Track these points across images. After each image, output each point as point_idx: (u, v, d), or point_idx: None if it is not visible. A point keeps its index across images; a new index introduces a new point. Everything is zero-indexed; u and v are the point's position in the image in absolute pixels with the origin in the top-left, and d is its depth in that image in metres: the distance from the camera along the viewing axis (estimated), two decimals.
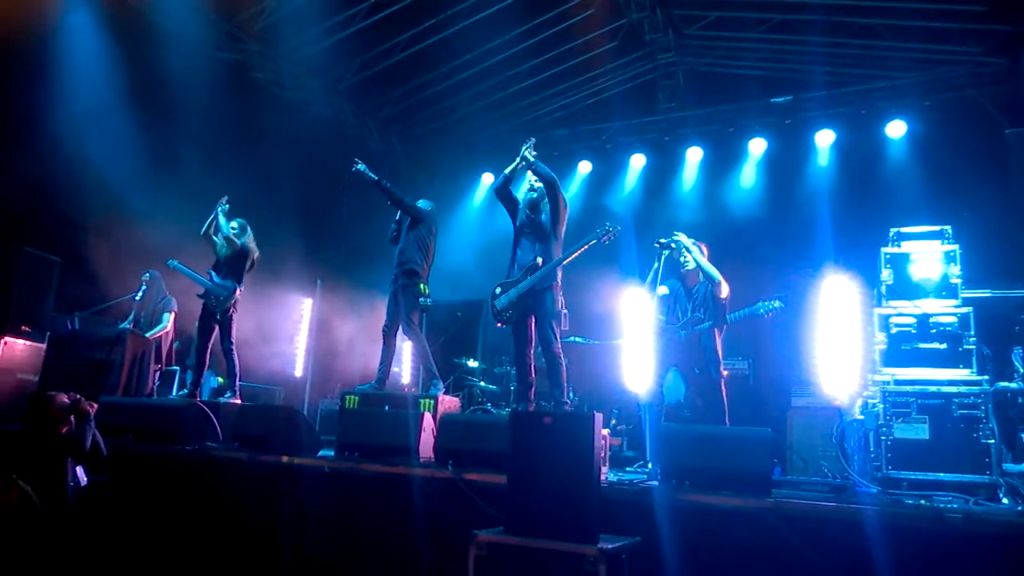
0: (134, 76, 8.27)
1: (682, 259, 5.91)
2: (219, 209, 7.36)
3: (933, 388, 5.06)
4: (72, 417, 5.11)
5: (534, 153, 5.96)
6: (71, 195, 7.73)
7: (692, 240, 6.01)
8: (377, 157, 7.11)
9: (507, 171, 6.19)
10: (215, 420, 6.18)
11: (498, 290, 6.05)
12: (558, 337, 5.85)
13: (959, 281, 5.61)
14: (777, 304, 5.73)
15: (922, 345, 5.38)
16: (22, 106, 7.44)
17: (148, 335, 7.94)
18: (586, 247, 5.84)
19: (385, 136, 11.98)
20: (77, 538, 5.19)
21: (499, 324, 6.15)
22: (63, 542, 4.94)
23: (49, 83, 7.75)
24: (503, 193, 6.27)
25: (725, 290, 5.76)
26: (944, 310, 5.42)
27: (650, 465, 4.95)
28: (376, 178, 6.82)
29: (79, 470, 5.12)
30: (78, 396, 5.24)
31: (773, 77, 10.32)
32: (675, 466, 4.36)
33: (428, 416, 5.55)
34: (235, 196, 7.46)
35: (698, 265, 5.82)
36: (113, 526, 5.70)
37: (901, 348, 5.40)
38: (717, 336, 5.81)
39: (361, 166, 6.84)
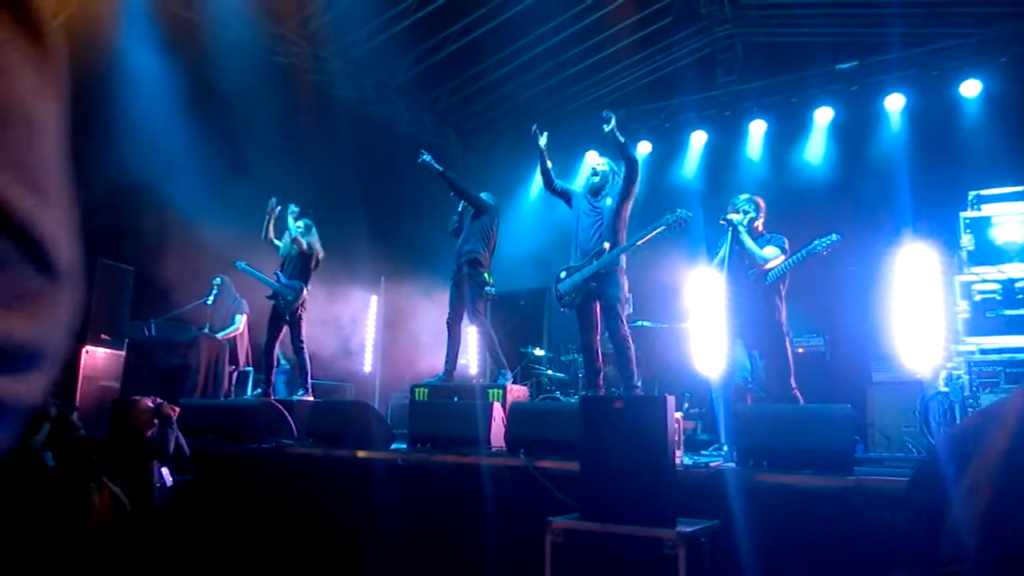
0: (195, 87, 8.48)
1: (740, 218, 5.68)
2: (271, 209, 7.49)
3: (1022, 355, 4.82)
4: (156, 421, 5.29)
5: (617, 133, 5.84)
6: (142, 206, 7.98)
7: (747, 198, 5.82)
8: (434, 151, 7.11)
9: (540, 167, 6.19)
10: (289, 418, 6.30)
11: (563, 274, 6.03)
12: (624, 321, 5.77)
13: None
14: (834, 237, 5.44)
15: (1008, 312, 5.13)
16: (92, 125, 7.71)
17: (220, 336, 8.15)
18: (655, 232, 5.73)
19: (441, 129, 12.02)
20: (166, 537, 5.38)
21: (562, 308, 6.12)
22: (154, 542, 5.12)
23: (116, 101, 8.00)
24: (552, 188, 6.25)
25: (772, 264, 5.55)
26: None
27: (725, 448, 4.84)
28: (441, 169, 6.88)
29: (164, 471, 5.29)
30: (161, 401, 5.42)
31: (836, 43, 9.93)
32: (751, 447, 4.23)
33: (497, 406, 5.55)
34: (297, 198, 7.58)
35: (744, 248, 5.59)
36: (198, 524, 5.89)
37: (985, 316, 5.16)
38: (780, 289, 5.61)
39: (427, 157, 6.90)
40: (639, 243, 5.76)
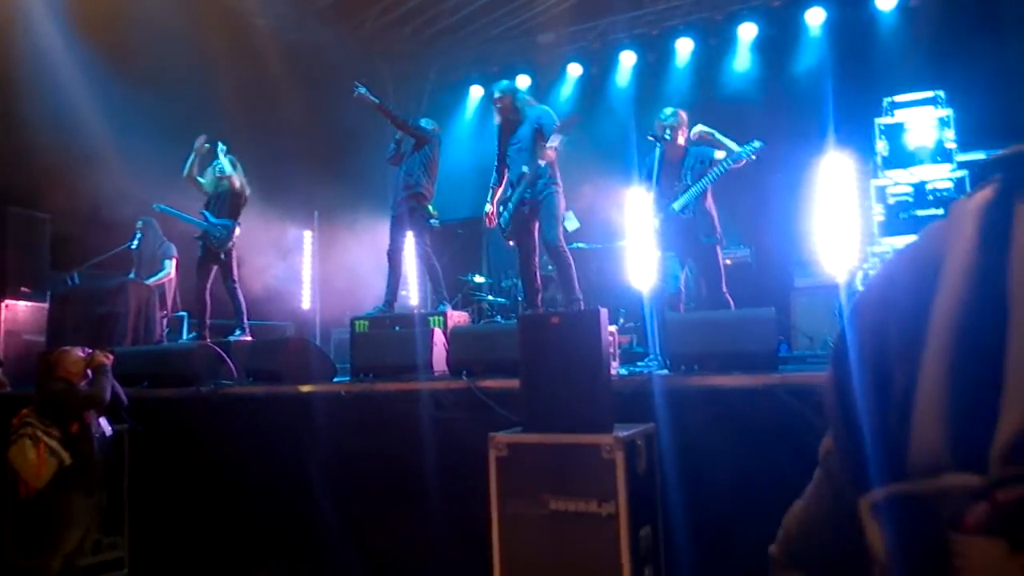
0: (101, 22, 8.03)
1: (666, 134, 5.77)
2: (199, 146, 7.26)
3: None
4: (88, 371, 5.17)
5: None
6: (51, 152, 7.62)
7: (671, 112, 5.90)
8: (361, 79, 6.93)
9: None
10: (228, 358, 6.25)
11: (500, 208, 6.08)
12: (561, 238, 5.87)
13: (954, 146, 5.55)
14: (757, 144, 5.58)
15: (919, 212, 5.37)
16: None
17: (150, 282, 7.95)
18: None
19: (368, 57, 11.69)
20: (111, 486, 5.34)
21: (510, 242, 6.18)
22: (99, 491, 5.08)
23: (15, 44, 7.58)
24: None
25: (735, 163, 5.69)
26: (940, 176, 5.38)
27: (659, 357, 5.01)
28: (378, 101, 6.73)
29: (103, 421, 5.21)
30: (92, 349, 5.30)
31: None
32: (682, 354, 4.40)
33: (438, 332, 5.59)
34: (218, 134, 7.35)
35: (719, 140, 5.65)
36: (142, 471, 5.86)
37: (899, 217, 5.40)
38: (709, 199, 5.77)
39: (362, 89, 6.70)
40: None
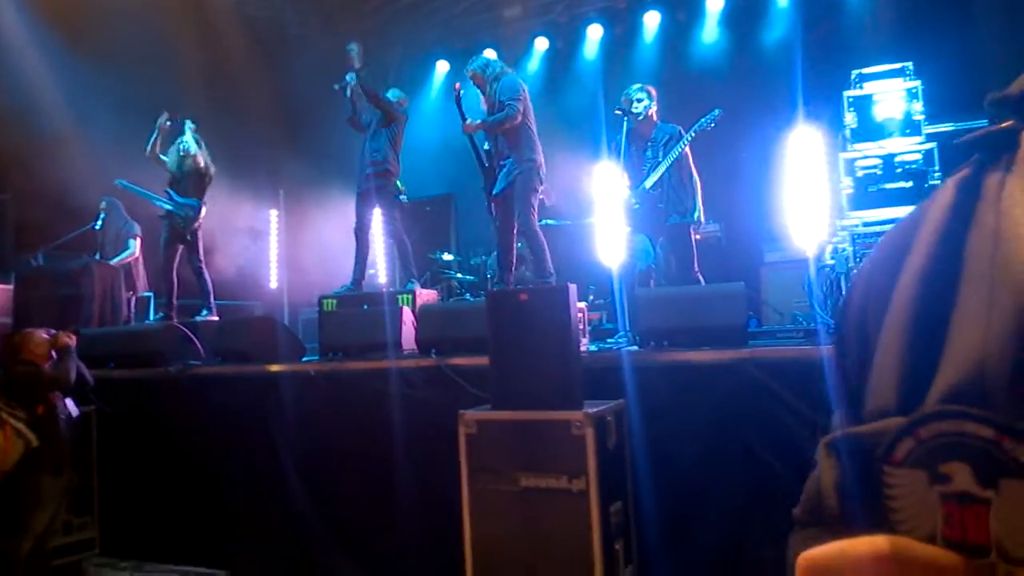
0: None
1: (633, 108, 5.77)
2: (162, 124, 7.12)
3: None
4: (53, 352, 5.09)
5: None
6: (8, 130, 7.43)
7: (639, 87, 5.90)
8: (324, 56, 6.82)
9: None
10: (195, 339, 6.18)
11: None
12: (534, 214, 5.84)
13: (922, 118, 5.59)
14: (716, 112, 5.64)
15: (888, 185, 5.42)
16: None
17: (114, 262, 7.81)
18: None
19: (331, 33, 11.48)
20: (78, 467, 5.28)
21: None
22: (67, 472, 5.03)
23: None
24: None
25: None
26: (908, 148, 5.42)
27: (629, 333, 5.02)
28: (353, 83, 6.62)
29: (68, 402, 5.14)
30: (55, 331, 5.21)
31: None
32: (651, 329, 4.41)
33: (407, 310, 5.58)
34: (180, 110, 7.20)
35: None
36: (109, 452, 5.79)
37: (867, 190, 5.44)
38: (687, 174, 5.78)
39: (346, 80, 6.60)
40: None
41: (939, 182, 5.34)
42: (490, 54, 8.05)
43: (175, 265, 7.24)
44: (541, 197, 6.02)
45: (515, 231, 5.97)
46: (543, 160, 5.90)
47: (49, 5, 7.80)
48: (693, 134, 5.61)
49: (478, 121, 5.90)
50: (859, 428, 0.60)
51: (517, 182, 5.79)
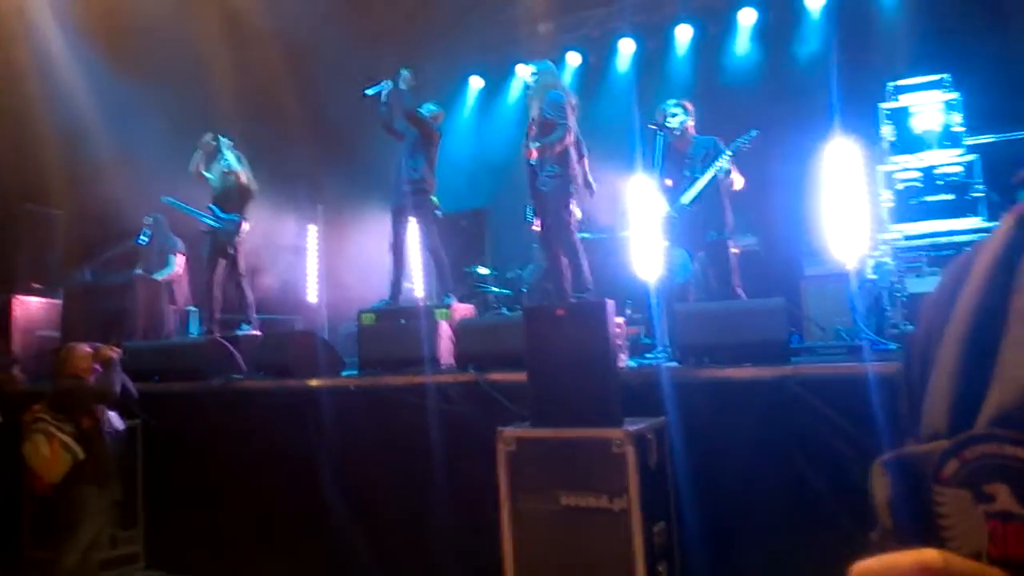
0: (103, 23, 8.05)
1: (668, 122, 5.78)
2: (206, 143, 7.27)
3: (944, 239, 5.04)
4: (98, 365, 5.20)
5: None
6: (61, 150, 7.65)
7: (675, 102, 5.91)
8: (359, 72, 6.91)
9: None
10: (236, 353, 6.27)
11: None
12: (570, 227, 5.87)
13: (962, 129, 5.51)
14: (753, 132, 5.63)
15: (929, 198, 5.34)
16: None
17: (158, 277, 7.97)
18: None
19: (369, 50, 11.60)
20: (125, 481, 5.38)
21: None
22: (112, 485, 5.13)
23: (25, 49, 7.62)
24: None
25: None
26: (949, 160, 5.34)
27: (667, 349, 5.00)
28: (386, 99, 6.72)
29: (113, 415, 5.24)
30: (98, 344, 5.32)
31: None
32: (691, 345, 4.39)
33: (445, 324, 5.60)
34: (223, 130, 7.35)
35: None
36: (156, 465, 5.89)
37: (908, 203, 5.36)
38: (723, 190, 5.76)
39: (382, 86, 6.66)
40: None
41: (981, 194, 5.27)
42: (525, 70, 8.08)
43: (218, 280, 7.37)
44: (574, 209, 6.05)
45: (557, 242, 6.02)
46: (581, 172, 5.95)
47: (94, 30, 8.03)
48: (729, 153, 5.60)
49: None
50: (912, 448, 0.64)
51: (550, 194, 5.84)
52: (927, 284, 4.97)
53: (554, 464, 3.62)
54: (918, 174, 5.43)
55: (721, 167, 5.64)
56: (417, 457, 4.77)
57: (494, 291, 8.86)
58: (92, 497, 4.92)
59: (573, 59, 11.33)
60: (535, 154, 5.80)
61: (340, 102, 8.55)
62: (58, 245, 7.78)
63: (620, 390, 3.72)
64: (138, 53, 8.06)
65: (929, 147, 5.50)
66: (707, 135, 5.93)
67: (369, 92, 6.73)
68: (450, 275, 6.85)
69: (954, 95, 5.64)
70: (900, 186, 5.45)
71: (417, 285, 9.71)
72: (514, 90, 11.60)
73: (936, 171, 5.39)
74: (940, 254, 5.09)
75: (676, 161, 5.85)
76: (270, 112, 9.09)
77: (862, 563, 0.57)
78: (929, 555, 0.54)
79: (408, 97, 6.73)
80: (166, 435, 5.87)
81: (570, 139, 5.80)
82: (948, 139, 5.50)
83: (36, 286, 7.39)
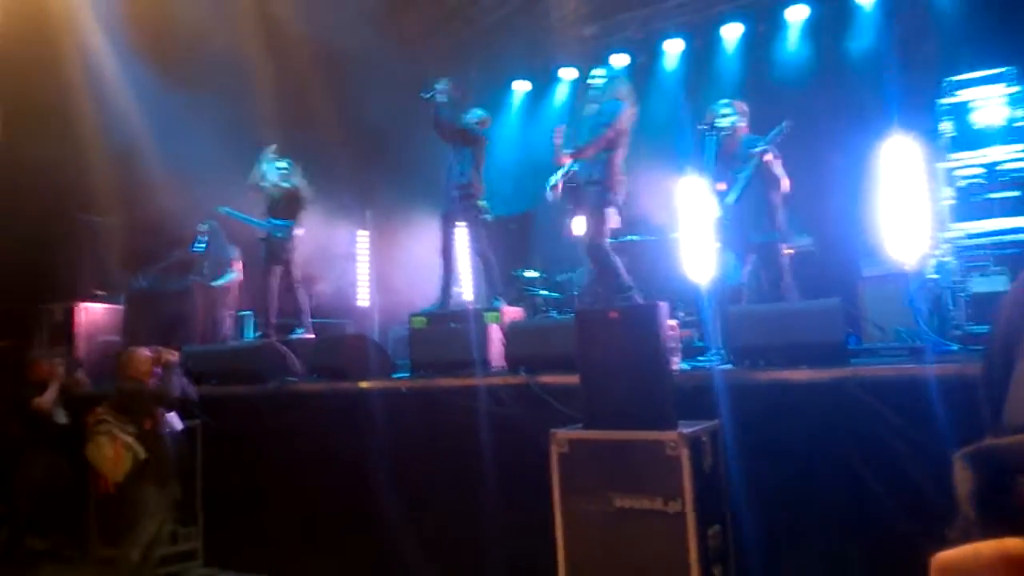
0: (141, 35, 8.28)
1: (718, 123, 5.73)
2: (264, 156, 7.44)
3: (1009, 237, 4.87)
4: (158, 368, 5.35)
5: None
6: (118, 160, 7.88)
7: (726, 103, 5.85)
8: (405, 78, 6.99)
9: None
10: (291, 356, 6.38)
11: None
12: (601, 232, 5.89)
13: None
14: (783, 124, 5.54)
15: (992, 195, 5.17)
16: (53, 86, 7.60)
17: (216, 284, 8.15)
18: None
19: (413, 56, 11.72)
20: (184, 479, 5.52)
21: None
22: (173, 484, 5.27)
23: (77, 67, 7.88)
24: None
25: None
26: (1013, 155, 5.17)
27: (721, 351, 4.93)
28: (435, 112, 6.79)
29: (173, 417, 5.39)
30: (158, 348, 5.47)
31: None
32: (745, 347, 4.32)
33: (495, 327, 5.62)
34: (272, 138, 7.50)
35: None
36: (214, 464, 6.03)
37: (970, 200, 5.20)
38: (770, 193, 5.68)
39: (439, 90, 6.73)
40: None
41: None
42: (570, 74, 8.10)
43: (273, 285, 7.52)
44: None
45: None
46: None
47: (144, 43, 8.24)
48: (764, 147, 5.52)
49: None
50: (997, 441, 0.65)
51: (589, 200, 5.86)
52: (992, 283, 4.81)
53: (607, 466, 3.60)
54: (981, 170, 5.26)
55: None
56: (468, 458, 4.79)
57: (542, 294, 8.85)
58: (153, 495, 5.07)
59: (619, 61, 11.28)
60: (567, 160, 5.87)
61: (385, 107, 8.64)
62: (117, 254, 8.01)
63: (673, 393, 3.68)
64: (186, 65, 8.25)
65: (991, 142, 5.32)
66: (757, 135, 5.85)
67: (426, 96, 6.78)
68: (499, 278, 6.87)
69: (1017, 88, 5.45)
70: (962, 183, 5.29)
71: (466, 289, 9.76)
72: (559, 94, 11.60)
73: (999, 167, 5.21)
74: (1005, 252, 4.92)
75: (726, 162, 5.78)
76: (316, 119, 9.22)
77: (944, 553, 0.58)
78: (1012, 544, 0.55)
79: (448, 112, 6.79)
80: (224, 436, 6.00)
81: (617, 155, 5.83)
82: (1011, 134, 5.32)
83: (99, 293, 7.63)
